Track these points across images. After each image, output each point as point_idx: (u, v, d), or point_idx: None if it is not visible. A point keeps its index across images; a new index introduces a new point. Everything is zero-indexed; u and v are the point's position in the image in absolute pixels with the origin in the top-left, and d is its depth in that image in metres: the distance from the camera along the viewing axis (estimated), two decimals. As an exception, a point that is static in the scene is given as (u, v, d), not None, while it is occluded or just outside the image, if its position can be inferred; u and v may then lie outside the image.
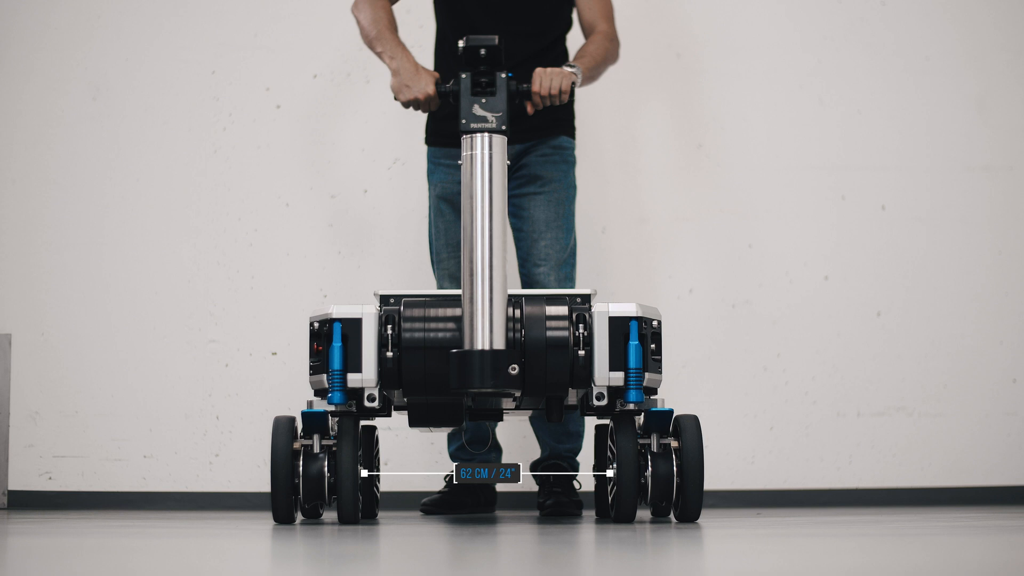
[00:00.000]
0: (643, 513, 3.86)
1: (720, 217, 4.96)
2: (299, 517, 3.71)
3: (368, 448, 3.82)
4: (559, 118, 4.29)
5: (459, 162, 3.67)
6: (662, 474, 3.53)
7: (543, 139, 4.28)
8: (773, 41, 5.02)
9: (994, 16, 5.04)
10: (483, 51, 3.66)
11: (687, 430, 3.55)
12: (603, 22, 4.30)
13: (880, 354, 4.93)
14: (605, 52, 4.23)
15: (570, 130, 4.35)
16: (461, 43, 3.66)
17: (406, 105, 3.96)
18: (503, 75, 3.66)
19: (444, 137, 4.28)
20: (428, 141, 4.36)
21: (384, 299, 3.62)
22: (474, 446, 4.35)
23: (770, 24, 5.03)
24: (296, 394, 4.49)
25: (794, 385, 4.91)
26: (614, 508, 3.55)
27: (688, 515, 3.55)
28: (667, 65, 4.99)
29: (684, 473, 3.53)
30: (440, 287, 4.30)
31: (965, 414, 4.93)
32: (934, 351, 4.94)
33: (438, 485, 4.47)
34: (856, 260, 4.96)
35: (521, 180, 4.27)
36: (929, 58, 5.01)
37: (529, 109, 3.96)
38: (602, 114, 4.94)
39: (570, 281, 4.29)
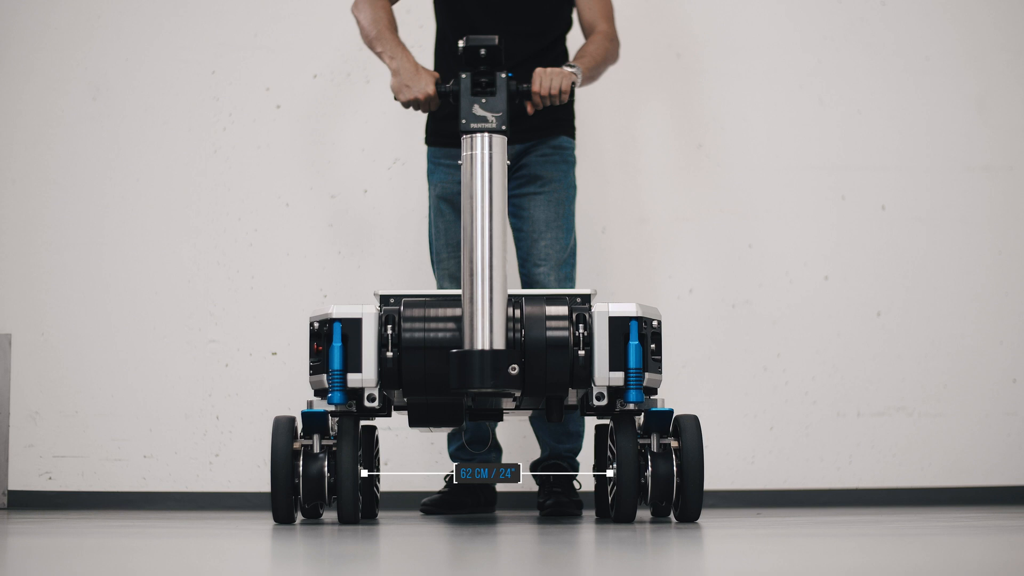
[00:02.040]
0: (643, 513, 3.86)
1: (720, 217, 4.96)
2: (299, 517, 3.70)
3: (368, 448, 3.82)
4: (559, 118, 4.29)
5: (459, 162, 3.67)
6: (662, 474, 3.53)
7: (543, 139, 4.28)
8: (773, 41, 5.02)
9: (994, 16, 5.04)
10: (483, 51, 3.66)
11: (687, 430, 3.55)
12: (603, 22, 4.30)
13: (880, 354, 4.93)
14: (605, 52, 4.23)
15: (570, 130, 4.35)
16: (461, 43, 3.66)
17: (406, 105, 3.96)
18: (503, 75, 3.66)
19: (444, 137, 4.28)
20: (428, 141, 4.36)
21: (384, 299, 3.62)
22: (474, 446, 4.35)
23: (770, 24, 5.03)
24: (296, 394, 4.49)
25: (794, 385, 4.91)
26: (614, 508, 3.55)
27: (688, 515, 3.55)
28: (667, 65, 4.99)
29: (684, 473, 3.53)
30: (440, 287, 4.30)
31: (965, 414, 4.93)
32: (934, 351, 4.93)
33: (438, 485, 4.47)
34: (856, 260, 4.96)
35: (521, 180, 4.27)
36: (929, 58, 5.01)
37: (529, 109, 3.96)
38: (602, 114, 4.93)
39: (570, 281, 4.29)
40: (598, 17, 4.30)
